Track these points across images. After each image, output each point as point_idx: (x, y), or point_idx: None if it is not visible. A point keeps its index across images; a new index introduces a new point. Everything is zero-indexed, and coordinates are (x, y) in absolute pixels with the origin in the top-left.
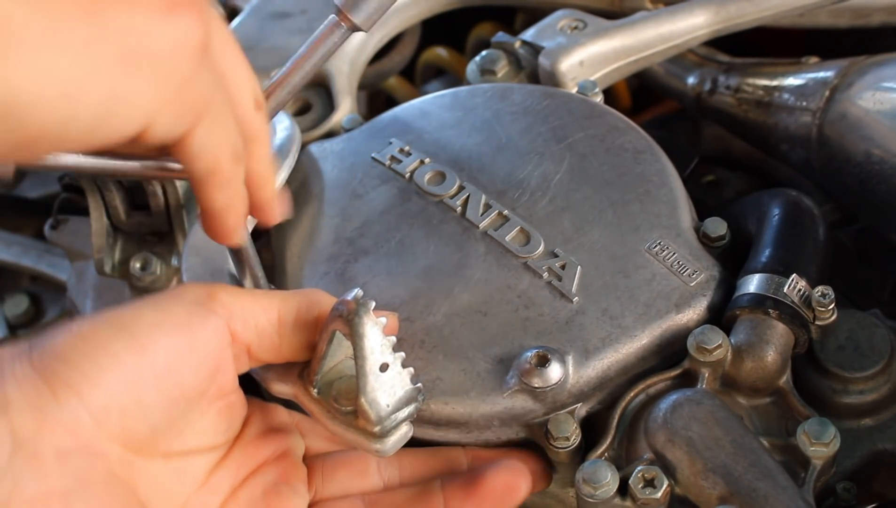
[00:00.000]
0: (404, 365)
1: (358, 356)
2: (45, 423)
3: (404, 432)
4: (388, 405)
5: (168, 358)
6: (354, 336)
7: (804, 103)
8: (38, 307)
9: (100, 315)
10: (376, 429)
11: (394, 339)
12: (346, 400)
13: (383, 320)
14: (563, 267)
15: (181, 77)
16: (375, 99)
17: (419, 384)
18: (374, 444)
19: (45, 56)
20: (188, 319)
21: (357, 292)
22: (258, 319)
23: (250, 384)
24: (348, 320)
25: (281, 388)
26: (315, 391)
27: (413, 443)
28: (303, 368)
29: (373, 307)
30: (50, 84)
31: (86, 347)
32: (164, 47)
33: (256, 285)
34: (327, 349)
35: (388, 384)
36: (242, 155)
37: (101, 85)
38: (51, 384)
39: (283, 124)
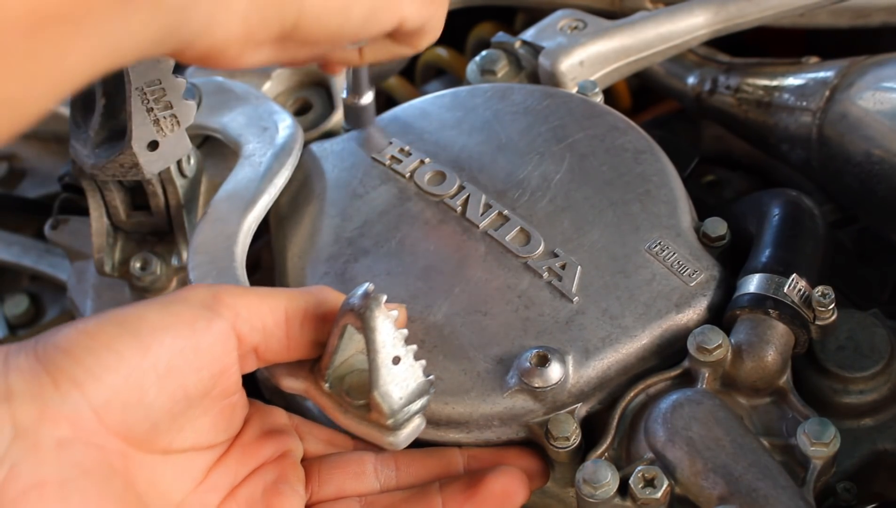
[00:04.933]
0: (416, 358)
1: (370, 349)
2: (47, 414)
3: (417, 424)
4: (400, 398)
5: (172, 359)
6: (366, 330)
7: (804, 103)
8: (38, 307)
9: (106, 314)
10: (389, 422)
11: (405, 332)
12: (358, 394)
13: (395, 313)
14: (563, 267)
15: None
16: (375, 99)
17: (431, 377)
18: (387, 437)
19: None
20: (193, 321)
21: (368, 286)
22: (265, 320)
23: (250, 385)
24: (360, 313)
25: (291, 383)
26: (326, 385)
27: (412, 443)
28: (313, 363)
29: (384, 301)
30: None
31: (90, 343)
32: None
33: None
34: (338, 344)
35: (400, 376)
36: None
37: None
38: (54, 376)
39: (286, 123)
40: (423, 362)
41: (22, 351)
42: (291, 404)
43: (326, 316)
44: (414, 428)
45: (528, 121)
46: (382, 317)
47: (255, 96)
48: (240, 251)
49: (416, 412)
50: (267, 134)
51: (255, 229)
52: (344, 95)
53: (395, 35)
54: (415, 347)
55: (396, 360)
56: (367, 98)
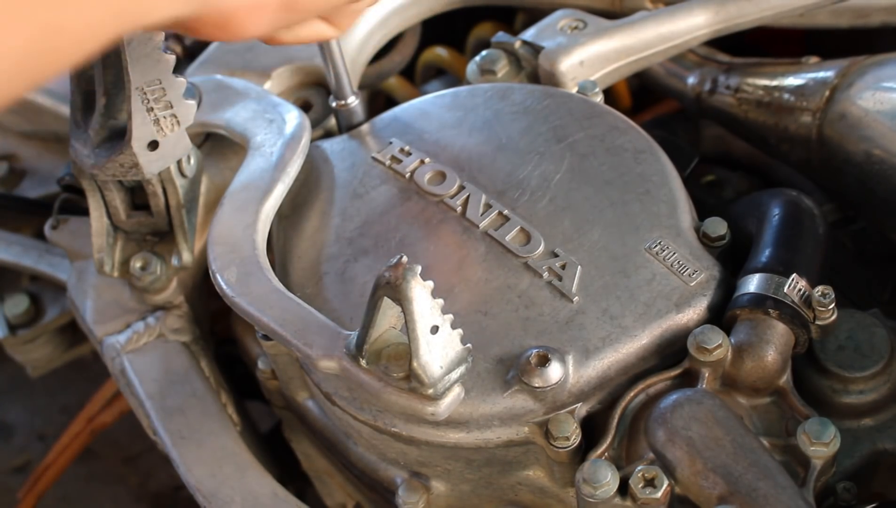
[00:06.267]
0: (452, 327)
1: (408, 319)
2: None
3: (457, 393)
4: (440, 367)
5: None
6: (403, 300)
7: (804, 103)
8: (38, 307)
9: None
10: (430, 391)
11: (441, 301)
12: (396, 367)
13: (430, 282)
14: (563, 267)
15: None
16: (375, 99)
17: (469, 345)
18: (429, 407)
19: None
20: None
21: (402, 257)
22: None
23: (250, 384)
24: (396, 285)
25: (328, 364)
26: (363, 361)
27: (413, 443)
28: (347, 343)
29: (419, 271)
30: None
31: None
32: None
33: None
34: (374, 319)
35: (439, 345)
36: None
37: None
38: None
39: (292, 113)
40: (460, 331)
41: None
42: (292, 404)
43: None
44: (454, 397)
45: (528, 121)
46: (419, 286)
47: (256, 91)
48: (260, 240)
49: (456, 381)
50: (274, 126)
51: (273, 216)
52: (332, 102)
53: None
54: (451, 316)
55: (435, 329)
56: (354, 100)
